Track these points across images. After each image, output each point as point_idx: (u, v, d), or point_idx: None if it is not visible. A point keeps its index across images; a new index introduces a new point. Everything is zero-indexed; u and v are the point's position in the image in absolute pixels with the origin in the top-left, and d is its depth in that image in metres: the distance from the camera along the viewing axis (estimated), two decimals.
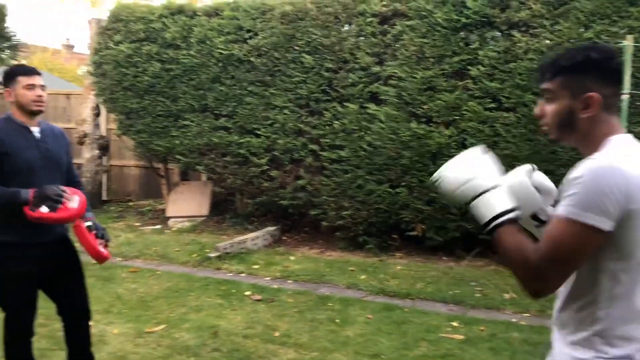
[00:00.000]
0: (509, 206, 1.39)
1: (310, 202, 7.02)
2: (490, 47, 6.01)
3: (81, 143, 9.16)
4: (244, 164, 7.39)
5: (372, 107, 6.47)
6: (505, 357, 3.73)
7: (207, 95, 7.49)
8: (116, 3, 8.44)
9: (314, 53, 6.83)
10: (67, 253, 2.95)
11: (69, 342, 2.98)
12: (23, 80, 2.73)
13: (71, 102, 10.40)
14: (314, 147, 6.88)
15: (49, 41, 33.16)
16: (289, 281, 5.57)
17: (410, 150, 6.27)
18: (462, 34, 6.15)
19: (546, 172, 6.02)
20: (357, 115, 6.53)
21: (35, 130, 2.80)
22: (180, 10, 7.76)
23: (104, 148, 9.44)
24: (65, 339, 2.99)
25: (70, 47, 29.70)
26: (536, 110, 1.52)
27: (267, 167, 7.20)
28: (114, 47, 8.02)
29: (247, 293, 5.08)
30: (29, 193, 2.55)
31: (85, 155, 9.24)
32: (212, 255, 6.25)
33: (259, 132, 7.20)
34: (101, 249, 2.76)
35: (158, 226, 8.03)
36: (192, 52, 7.50)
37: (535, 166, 1.63)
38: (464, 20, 6.05)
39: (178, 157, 7.90)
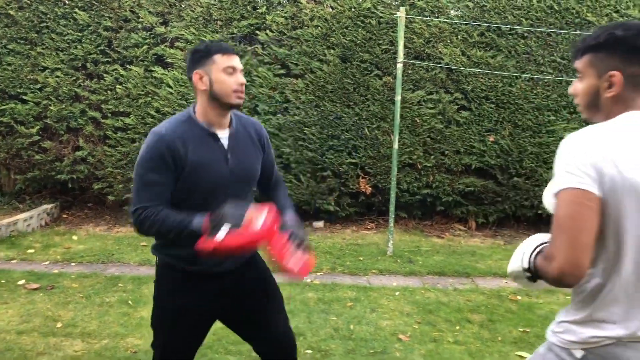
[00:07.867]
0: (532, 248, 1.44)
1: (92, 175, 6.40)
2: (278, 12, 6.01)
3: None
4: (9, 134, 6.42)
5: (158, 71, 6.07)
6: (303, 318, 3.83)
7: None
8: None
9: (88, 9, 6.13)
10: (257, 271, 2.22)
11: None
12: (221, 60, 1.92)
13: None
14: (95, 114, 6.23)
15: None
16: (72, 264, 5.01)
17: None
18: None
19: (332, 137, 6.20)
20: (143, 79, 6.07)
21: (224, 136, 2.00)
22: None
23: None
24: None
25: None
26: (570, 89, 1.48)
27: (39, 138, 6.35)
28: None
29: (21, 282, 4.44)
30: (202, 222, 1.83)
31: None
32: None
33: (25, 98, 6.29)
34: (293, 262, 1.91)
35: None
36: None
37: None
38: None
39: None
